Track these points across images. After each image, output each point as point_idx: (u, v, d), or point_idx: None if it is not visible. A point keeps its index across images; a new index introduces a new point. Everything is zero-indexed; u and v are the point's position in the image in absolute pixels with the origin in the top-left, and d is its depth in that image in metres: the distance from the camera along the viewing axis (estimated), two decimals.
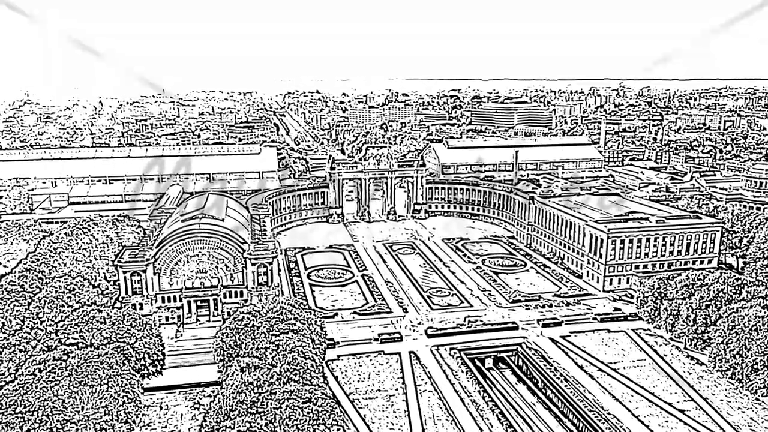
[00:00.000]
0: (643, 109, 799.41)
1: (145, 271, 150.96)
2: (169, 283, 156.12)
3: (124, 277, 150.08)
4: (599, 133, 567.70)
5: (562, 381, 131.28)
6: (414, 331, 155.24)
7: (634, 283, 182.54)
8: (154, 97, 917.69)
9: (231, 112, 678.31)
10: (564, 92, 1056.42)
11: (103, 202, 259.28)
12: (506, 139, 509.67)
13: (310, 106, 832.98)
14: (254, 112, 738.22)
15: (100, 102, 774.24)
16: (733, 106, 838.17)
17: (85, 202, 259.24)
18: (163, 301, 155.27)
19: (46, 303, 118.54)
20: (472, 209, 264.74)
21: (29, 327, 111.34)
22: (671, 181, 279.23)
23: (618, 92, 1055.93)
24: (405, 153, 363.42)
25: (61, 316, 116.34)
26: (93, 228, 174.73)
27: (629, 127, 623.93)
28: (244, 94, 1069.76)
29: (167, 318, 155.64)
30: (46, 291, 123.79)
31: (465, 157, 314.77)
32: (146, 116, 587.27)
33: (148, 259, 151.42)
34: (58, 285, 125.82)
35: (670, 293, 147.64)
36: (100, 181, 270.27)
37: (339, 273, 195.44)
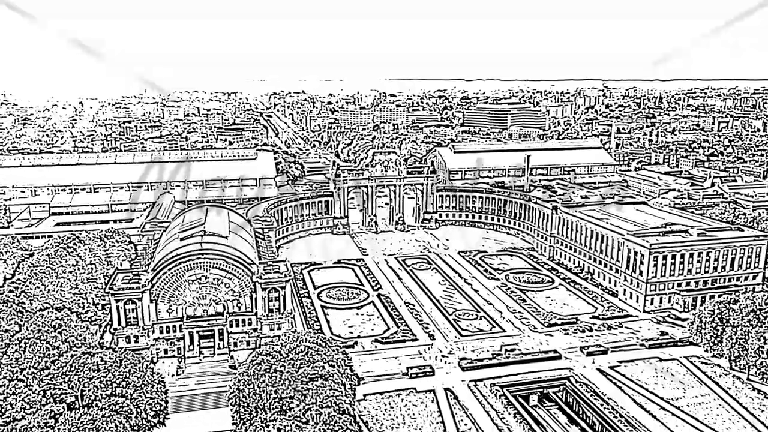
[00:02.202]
0: (634, 110, 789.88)
1: (140, 299, 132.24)
2: (168, 312, 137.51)
3: (117, 307, 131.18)
4: (595, 135, 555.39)
5: (623, 423, 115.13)
6: (446, 362, 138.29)
7: (677, 302, 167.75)
8: (136, 97, 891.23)
9: (218, 113, 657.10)
10: (549, 93, 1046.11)
11: (87, 213, 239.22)
12: (503, 141, 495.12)
13: (297, 107, 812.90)
14: (241, 113, 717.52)
15: (81, 103, 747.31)
16: (721, 106, 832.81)
17: (67, 213, 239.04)
18: (162, 332, 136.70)
19: (28, 345, 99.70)
20: (486, 218, 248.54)
21: (8, 378, 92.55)
22: (692, 187, 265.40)
23: (604, 93, 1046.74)
24: (406, 157, 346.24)
25: (46, 362, 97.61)
26: (79, 246, 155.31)
27: (623, 129, 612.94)
28: (229, 95, 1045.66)
29: (166, 351, 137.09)
30: (28, 329, 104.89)
31: (472, 162, 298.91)
32: (130, 118, 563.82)
33: (144, 286, 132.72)
34: (41, 321, 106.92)
35: (734, 319, 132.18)
36: (84, 189, 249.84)
37: (352, 293, 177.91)
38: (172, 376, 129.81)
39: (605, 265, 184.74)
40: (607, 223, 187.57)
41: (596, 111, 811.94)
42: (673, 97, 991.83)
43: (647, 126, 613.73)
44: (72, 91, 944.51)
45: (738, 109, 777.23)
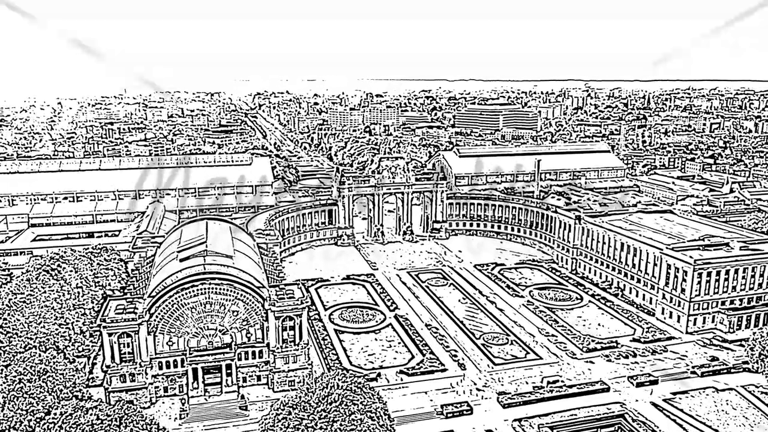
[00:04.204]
0: (625, 111, 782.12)
1: (137, 332, 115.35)
2: (167, 344, 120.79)
3: (110, 341, 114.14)
4: (588, 137, 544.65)
5: None
6: (482, 397, 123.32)
7: (721, 322, 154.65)
8: (116, 98, 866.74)
9: (202, 114, 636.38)
10: (534, 93, 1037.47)
11: (69, 223, 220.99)
12: (512, 144, 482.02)
13: (283, 108, 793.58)
14: (226, 114, 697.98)
15: (59, 103, 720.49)
16: (708, 106, 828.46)
17: (48, 224, 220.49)
18: (161, 368, 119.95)
19: (8, 400, 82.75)
20: (498, 227, 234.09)
21: None
22: (710, 193, 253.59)
23: (589, 93, 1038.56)
24: (407, 161, 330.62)
25: (30, 421, 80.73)
26: (63, 268, 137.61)
27: (616, 130, 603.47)
28: (212, 95, 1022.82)
29: (166, 389, 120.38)
30: (7, 378, 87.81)
31: (479, 166, 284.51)
32: (111, 119, 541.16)
33: (140, 316, 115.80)
34: (23, 367, 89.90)
35: None
36: (66, 198, 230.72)
37: (367, 314, 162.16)
38: (175, 420, 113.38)
39: (638, 281, 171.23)
40: (639, 235, 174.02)
41: (585, 112, 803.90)
42: (658, 97, 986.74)
43: (639, 127, 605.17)
44: (49, 91, 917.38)
45: (725, 110, 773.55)
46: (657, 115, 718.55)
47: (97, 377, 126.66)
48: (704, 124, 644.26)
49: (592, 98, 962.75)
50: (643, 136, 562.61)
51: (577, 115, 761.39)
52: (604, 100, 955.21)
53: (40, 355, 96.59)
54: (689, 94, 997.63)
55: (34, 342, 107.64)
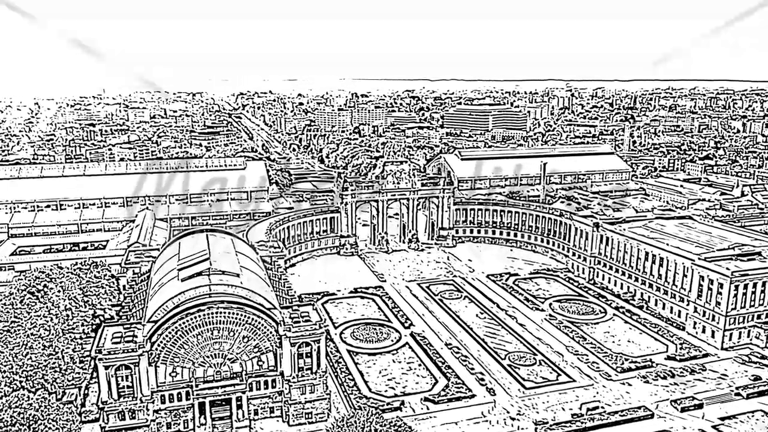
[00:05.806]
0: (611, 111, 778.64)
1: (137, 364, 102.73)
2: (170, 375, 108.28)
3: (107, 374, 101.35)
4: (580, 137, 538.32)
5: None
6: (518, 428, 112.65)
7: (756, 337, 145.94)
8: (95, 98, 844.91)
9: (186, 115, 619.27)
10: (517, 93, 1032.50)
11: (53, 234, 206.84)
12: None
13: (267, 108, 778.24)
14: (210, 115, 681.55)
15: (36, 104, 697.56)
16: (692, 106, 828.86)
17: (30, 234, 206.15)
18: (163, 402, 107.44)
19: None
20: (507, 234, 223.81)
21: None
22: (722, 197, 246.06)
23: (573, 93, 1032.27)
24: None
25: None
26: (51, 289, 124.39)
27: (606, 131, 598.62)
28: (193, 95, 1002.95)
29: (169, 425, 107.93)
30: None
31: (481, 170, 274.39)
32: (92, 120, 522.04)
33: (140, 346, 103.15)
34: (10, 415, 77.24)
35: None
36: (49, 206, 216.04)
37: (381, 333, 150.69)
38: None
39: (666, 293, 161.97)
40: (667, 244, 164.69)
41: (572, 112, 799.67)
42: (642, 97, 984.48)
43: (629, 127, 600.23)
44: (26, 91, 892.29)
45: (709, 109, 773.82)
46: (645, 116, 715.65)
47: (90, 410, 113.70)
48: (692, 125, 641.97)
49: (576, 98, 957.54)
50: (632, 137, 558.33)
51: (564, 115, 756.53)
52: (588, 100, 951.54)
53: (29, 398, 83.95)
54: (671, 93, 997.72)
55: (21, 377, 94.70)
